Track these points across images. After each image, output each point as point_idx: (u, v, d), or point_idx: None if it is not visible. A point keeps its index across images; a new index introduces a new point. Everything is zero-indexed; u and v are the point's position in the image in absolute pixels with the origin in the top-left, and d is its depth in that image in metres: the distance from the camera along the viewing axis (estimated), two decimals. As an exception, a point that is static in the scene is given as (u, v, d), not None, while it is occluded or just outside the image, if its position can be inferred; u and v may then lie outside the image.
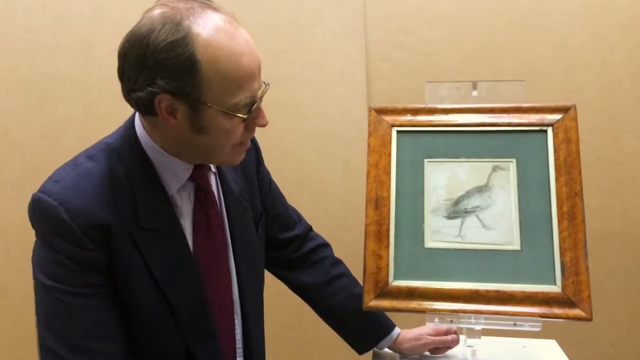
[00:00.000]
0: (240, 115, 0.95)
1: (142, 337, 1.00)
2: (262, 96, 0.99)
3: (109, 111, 2.05)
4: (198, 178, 1.05)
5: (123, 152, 1.00)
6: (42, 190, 0.95)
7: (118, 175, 0.98)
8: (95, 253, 0.94)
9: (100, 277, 0.96)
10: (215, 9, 0.94)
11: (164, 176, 1.01)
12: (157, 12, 0.91)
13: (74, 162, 1.00)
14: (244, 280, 1.11)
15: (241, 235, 1.12)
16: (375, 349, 1.33)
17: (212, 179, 1.10)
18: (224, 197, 1.11)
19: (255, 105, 0.97)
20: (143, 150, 1.01)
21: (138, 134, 1.02)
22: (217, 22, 0.91)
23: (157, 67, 0.90)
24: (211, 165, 1.10)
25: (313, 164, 2.11)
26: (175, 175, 1.02)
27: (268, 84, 1.00)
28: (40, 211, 0.94)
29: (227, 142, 0.98)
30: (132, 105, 0.98)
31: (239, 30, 0.94)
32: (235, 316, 1.10)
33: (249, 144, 1.05)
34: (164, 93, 0.91)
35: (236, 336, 1.10)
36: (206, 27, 0.90)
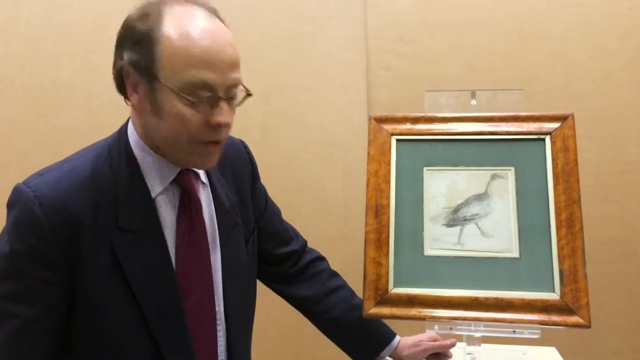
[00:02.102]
0: (189, 98, 0.92)
1: (109, 345, 0.97)
2: (232, 97, 0.97)
3: (111, 119, 2.03)
4: (183, 182, 1.04)
5: (113, 152, 1.01)
6: (24, 181, 0.97)
7: (102, 175, 0.98)
8: (55, 251, 0.93)
9: (52, 275, 0.94)
10: (198, 4, 0.97)
11: (148, 177, 1.01)
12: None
13: (63, 160, 1.02)
14: (229, 294, 1.09)
15: (229, 249, 1.10)
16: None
17: (203, 191, 1.09)
18: (215, 210, 1.10)
19: (214, 99, 0.94)
20: (130, 150, 1.01)
21: (129, 132, 1.03)
22: (192, 9, 0.95)
23: (126, 39, 0.96)
24: (201, 177, 1.09)
25: (313, 171, 2.12)
26: (160, 175, 1.01)
27: (250, 93, 0.99)
28: (17, 200, 0.95)
29: (180, 131, 0.95)
30: (117, 88, 1.01)
31: (211, 21, 0.96)
32: (219, 327, 1.07)
33: (216, 147, 0.99)
34: (129, 65, 0.95)
35: (218, 348, 1.07)
36: (180, 10, 0.94)
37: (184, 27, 0.93)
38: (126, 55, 0.95)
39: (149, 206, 1.00)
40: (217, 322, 1.07)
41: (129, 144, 1.02)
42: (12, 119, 2.15)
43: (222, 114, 0.95)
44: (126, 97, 1.00)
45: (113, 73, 0.99)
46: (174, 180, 1.03)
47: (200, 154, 0.99)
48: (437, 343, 1.31)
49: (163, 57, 0.92)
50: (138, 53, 0.94)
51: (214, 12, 0.98)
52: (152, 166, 1.01)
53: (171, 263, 1.01)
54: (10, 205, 0.96)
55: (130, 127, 1.03)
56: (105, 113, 2.11)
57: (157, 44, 0.92)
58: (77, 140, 2.08)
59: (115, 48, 0.98)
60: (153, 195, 1.01)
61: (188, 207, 1.04)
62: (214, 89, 0.94)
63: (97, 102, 2.13)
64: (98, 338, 0.97)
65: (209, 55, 0.92)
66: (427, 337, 1.32)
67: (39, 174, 0.98)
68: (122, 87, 0.99)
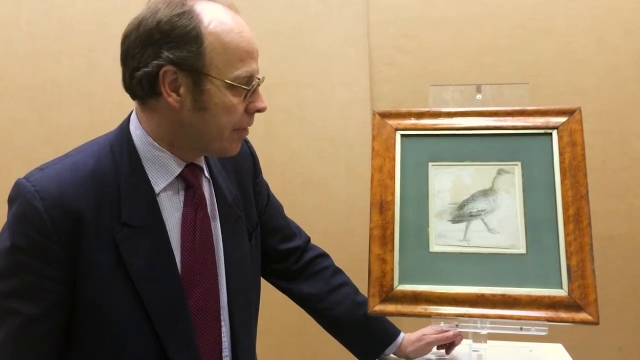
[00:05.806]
0: (244, 87, 0.97)
1: (112, 342, 0.97)
2: (259, 84, 1.01)
3: (112, 117, 2.03)
4: (189, 176, 1.04)
5: (116, 148, 1.01)
6: (25, 176, 0.96)
7: (105, 170, 0.98)
8: (57, 247, 0.92)
9: (54, 271, 0.93)
10: (218, 1, 1.00)
11: (152, 172, 1.01)
12: None
13: (65, 155, 1.02)
14: (233, 288, 1.08)
15: (232, 244, 1.10)
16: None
17: (206, 185, 1.09)
18: (217, 204, 1.10)
19: (255, 87, 1.00)
20: (133, 145, 1.01)
21: (132, 129, 1.02)
22: (218, 4, 0.98)
23: (164, 39, 0.94)
24: (205, 171, 1.09)
25: (317, 168, 2.11)
26: (165, 170, 1.01)
27: (264, 77, 1.02)
28: (18, 195, 0.94)
29: (228, 121, 0.99)
30: (133, 90, 0.99)
31: (236, 15, 1.00)
32: (223, 323, 1.06)
33: (247, 132, 1.06)
34: (170, 65, 0.94)
35: (223, 344, 1.06)
36: (209, 6, 0.97)
37: (224, 24, 0.96)
38: (165, 55, 0.94)
39: (152, 201, 1.00)
40: (221, 317, 1.06)
41: (131, 139, 1.01)
42: (13, 116, 2.15)
43: (262, 100, 1.03)
44: (148, 97, 0.98)
45: (139, 74, 0.96)
46: (179, 175, 1.03)
47: (236, 140, 1.04)
48: (440, 335, 1.30)
49: (212, 53, 0.95)
50: (183, 52, 0.94)
51: (232, 6, 1.01)
52: (158, 161, 1.01)
53: (174, 259, 1.00)
54: (12, 200, 0.96)
55: (135, 123, 1.03)
56: (107, 111, 2.10)
57: (203, 40, 0.94)
58: (79, 137, 2.07)
59: (142, 48, 0.95)
60: (157, 190, 1.01)
61: (193, 202, 1.04)
62: (254, 78, 1.00)
63: (98, 99, 2.12)
64: (100, 335, 0.97)
65: (251, 48, 0.99)
66: (429, 331, 1.31)
67: (40, 169, 0.98)
68: (151, 87, 0.96)
